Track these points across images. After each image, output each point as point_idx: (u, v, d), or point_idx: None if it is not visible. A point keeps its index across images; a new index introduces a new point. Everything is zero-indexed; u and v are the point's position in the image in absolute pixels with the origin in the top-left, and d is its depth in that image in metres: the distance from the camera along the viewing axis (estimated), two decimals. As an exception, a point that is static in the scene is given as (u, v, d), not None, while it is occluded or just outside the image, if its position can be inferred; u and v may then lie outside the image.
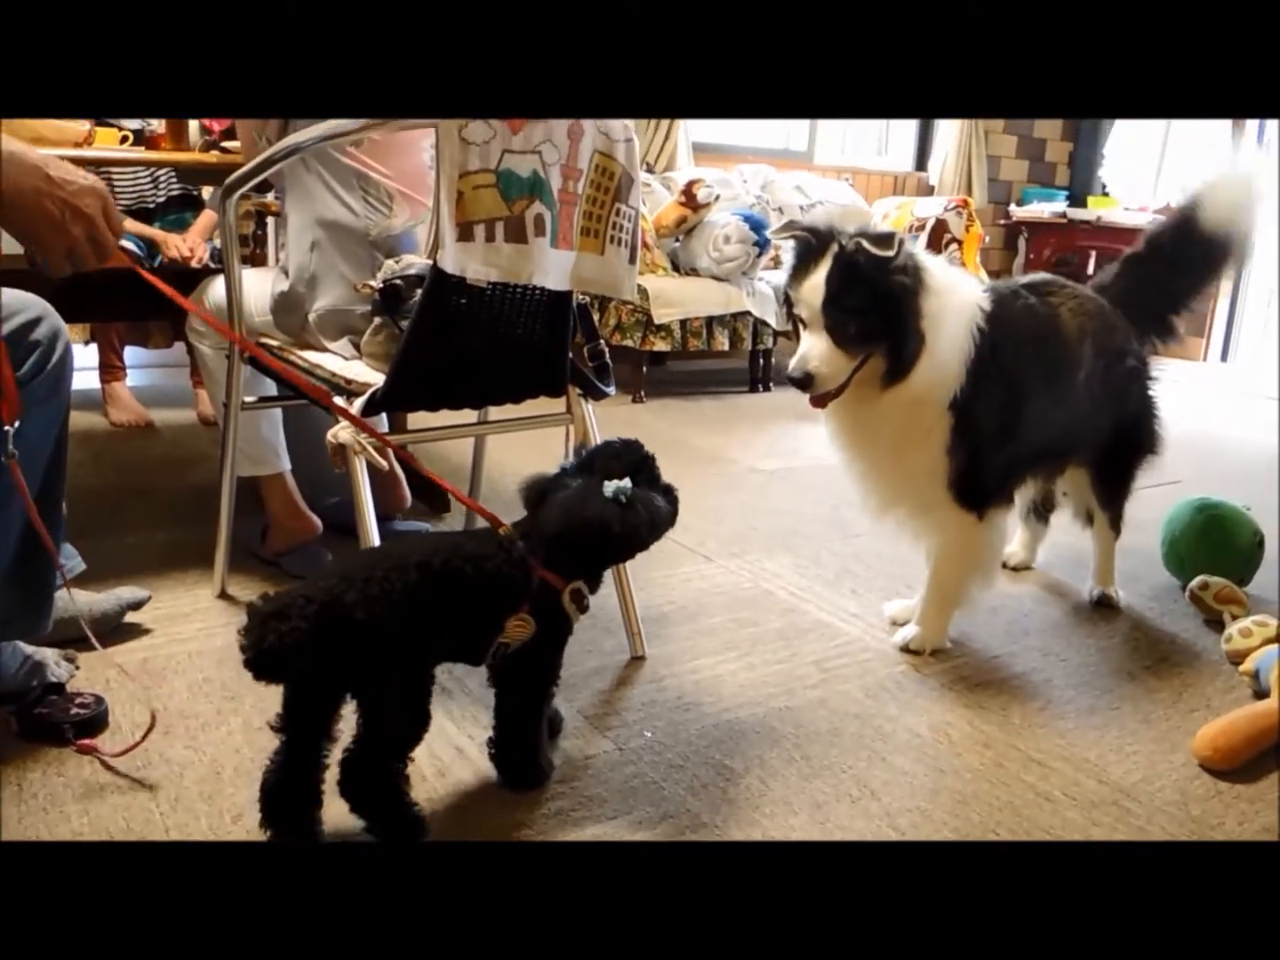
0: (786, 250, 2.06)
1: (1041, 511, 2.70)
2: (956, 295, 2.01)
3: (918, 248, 2.01)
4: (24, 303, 1.50)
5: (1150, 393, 2.47)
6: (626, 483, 1.49)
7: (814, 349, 1.95)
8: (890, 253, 1.88)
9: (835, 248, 1.92)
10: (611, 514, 1.47)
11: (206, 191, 3.77)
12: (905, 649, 2.19)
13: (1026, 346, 2.09)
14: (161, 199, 3.73)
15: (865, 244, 1.88)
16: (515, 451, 3.06)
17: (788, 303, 2.07)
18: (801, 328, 2.00)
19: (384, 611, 1.36)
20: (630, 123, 1.87)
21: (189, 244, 3.54)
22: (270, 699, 1.82)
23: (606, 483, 1.49)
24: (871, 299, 1.91)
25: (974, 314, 2.01)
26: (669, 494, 1.59)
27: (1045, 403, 2.13)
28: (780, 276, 2.04)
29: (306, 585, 1.39)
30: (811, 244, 1.97)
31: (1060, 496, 2.63)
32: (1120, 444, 2.43)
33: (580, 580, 1.55)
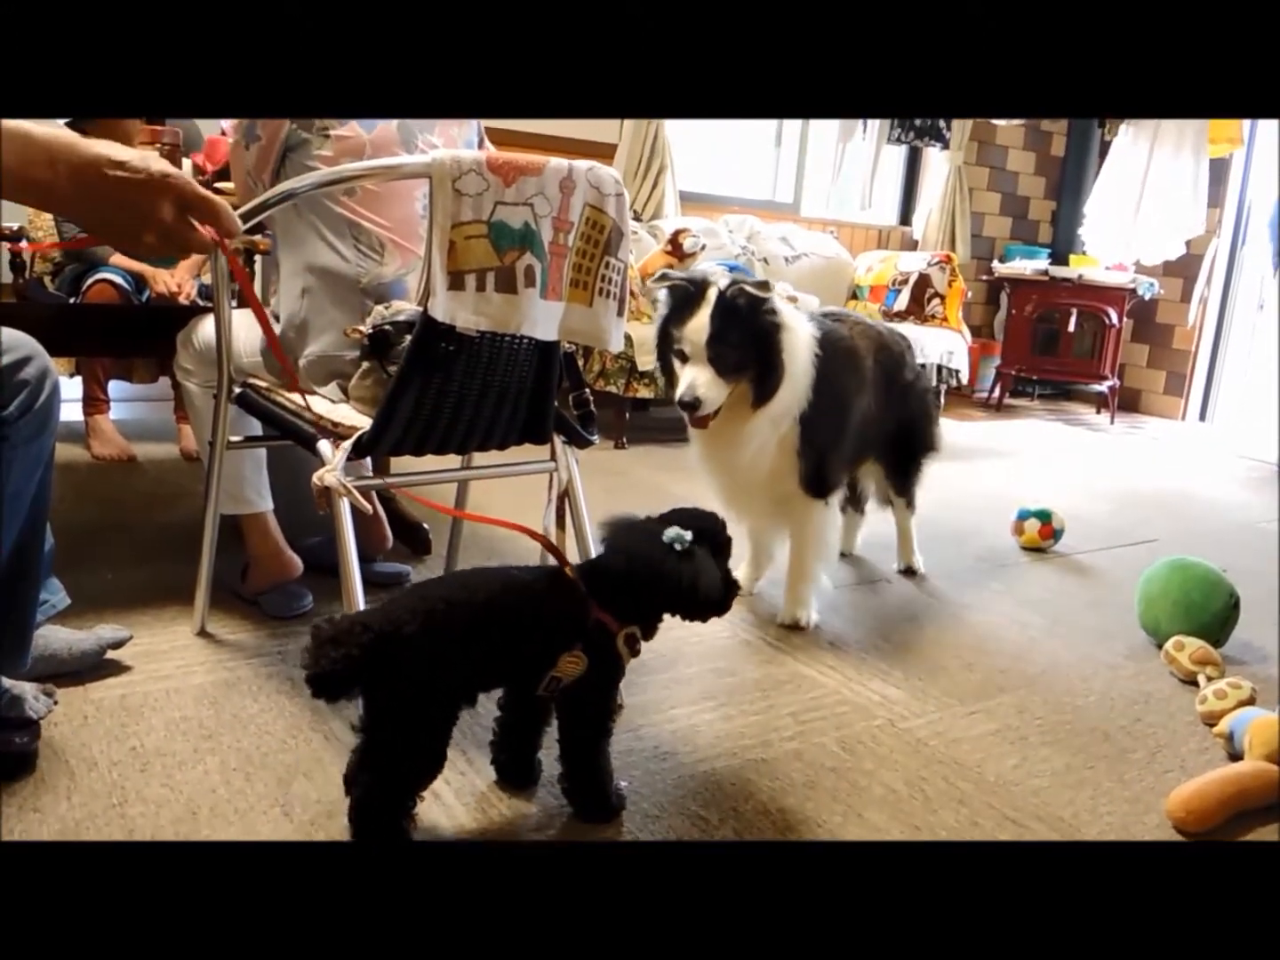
0: (660, 299, 2.43)
1: (858, 503, 3.14)
2: (800, 328, 2.42)
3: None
4: (13, 341, 1.49)
5: (926, 400, 3.02)
6: (687, 534, 1.56)
7: (699, 378, 2.30)
8: (768, 295, 2.29)
9: (714, 293, 2.29)
10: (663, 555, 1.54)
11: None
12: (784, 625, 2.57)
13: (841, 366, 2.52)
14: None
15: (748, 289, 2.27)
16: (498, 497, 3.07)
17: (664, 341, 2.40)
18: (680, 362, 2.35)
19: (443, 647, 1.42)
20: (621, 176, 1.90)
21: (177, 280, 3.55)
22: (247, 739, 1.83)
23: (668, 529, 1.56)
24: (747, 335, 2.30)
25: (811, 343, 2.43)
26: (727, 579, 1.64)
27: (855, 409, 2.58)
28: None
29: (370, 612, 1.46)
30: (689, 291, 2.32)
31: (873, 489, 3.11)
32: (906, 441, 2.95)
33: (635, 626, 1.60)
